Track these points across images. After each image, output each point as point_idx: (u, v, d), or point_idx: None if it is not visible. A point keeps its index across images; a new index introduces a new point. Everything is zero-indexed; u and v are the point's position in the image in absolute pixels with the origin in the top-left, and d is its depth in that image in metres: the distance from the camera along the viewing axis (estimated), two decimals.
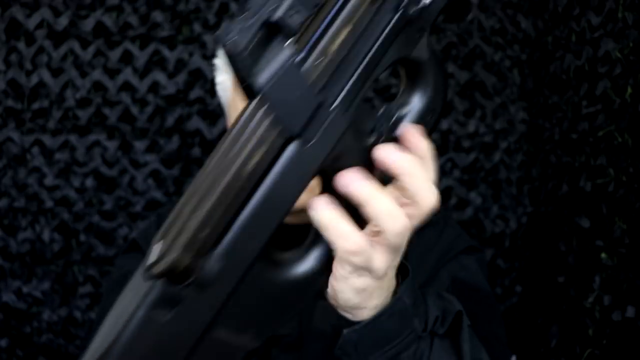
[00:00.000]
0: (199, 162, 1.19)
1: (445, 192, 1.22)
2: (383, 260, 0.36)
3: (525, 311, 1.21)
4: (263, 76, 0.32)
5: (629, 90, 0.84)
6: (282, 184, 0.34)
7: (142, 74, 1.16)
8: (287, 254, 0.39)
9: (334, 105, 0.34)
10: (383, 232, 0.35)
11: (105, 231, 1.17)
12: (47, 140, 1.15)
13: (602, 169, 0.92)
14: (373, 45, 0.35)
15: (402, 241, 0.36)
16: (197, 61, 1.17)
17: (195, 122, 1.18)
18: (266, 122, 0.33)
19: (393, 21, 0.35)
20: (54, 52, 1.15)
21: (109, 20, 1.15)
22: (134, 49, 1.16)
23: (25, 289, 1.16)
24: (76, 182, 1.16)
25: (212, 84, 1.18)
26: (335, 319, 0.43)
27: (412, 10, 0.35)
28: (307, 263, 0.38)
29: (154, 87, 1.17)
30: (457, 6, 0.38)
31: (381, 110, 0.39)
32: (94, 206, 1.17)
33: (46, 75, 1.14)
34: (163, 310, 0.33)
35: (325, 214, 0.35)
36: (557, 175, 1.09)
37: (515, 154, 1.24)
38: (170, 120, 1.17)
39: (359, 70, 0.35)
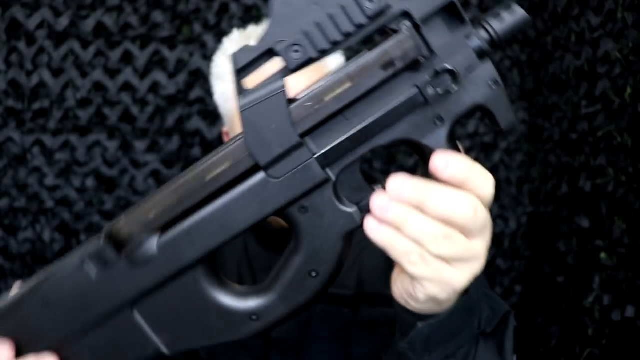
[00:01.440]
0: None
1: None
2: (479, 246, 0.36)
3: (525, 311, 1.21)
4: (250, 97, 0.33)
5: (629, 90, 0.84)
6: (237, 207, 0.35)
7: (143, 74, 1.16)
8: (239, 286, 0.39)
9: (315, 155, 0.34)
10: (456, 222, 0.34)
11: None
12: (47, 140, 1.15)
13: (602, 169, 0.92)
14: (375, 112, 0.34)
15: (478, 221, 0.35)
16: (197, 61, 1.17)
17: (196, 122, 1.18)
18: (240, 141, 0.35)
19: (405, 97, 0.33)
20: (55, 52, 1.15)
21: (109, 21, 1.15)
22: (134, 49, 1.16)
23: None
24: (77, 182, 1.16)
25: None
26: (337, 323, 0.42)
27: (431, 92, 0.32)
28: (249, 303, 0.38)
29: (154, 87, 1.17)
30: (494, 113, 0.34)
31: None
32: (94, 206, 1.17)
33: (47, 76, 1.14)
34: (94, 266, 0.37)
35: (385, 235, 0.34)
36: (556, 175, 1.09)
37: (515, 154, 1.24)
38: (170, 121, 1.17)
39: (353, 131, 0.34)
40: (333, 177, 0.35)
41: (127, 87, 1.16)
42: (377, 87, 0.33)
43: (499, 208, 1.23)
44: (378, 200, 0.34)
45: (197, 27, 1.17)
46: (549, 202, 1.13)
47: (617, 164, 0.88)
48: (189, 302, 0.38)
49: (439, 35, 0.33)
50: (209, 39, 1.17)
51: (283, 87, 0.33)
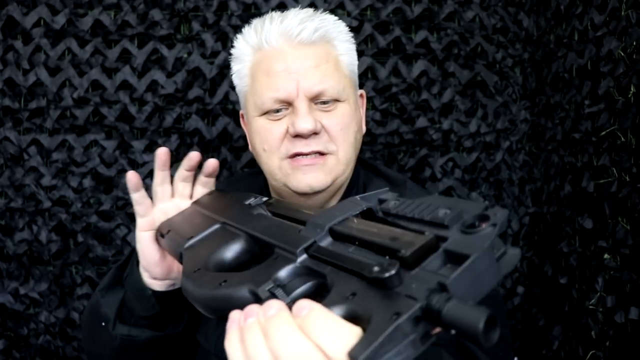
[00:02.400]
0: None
1: (446, 192, 1.21)
2: None
3: (527, 312, 1.20)
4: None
5: (632, 89, 0.83)
6: (275, 226, 0.53)
7: (141, 73, 1.15)
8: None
9: (317, 240, 0.45)
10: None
11: (103, 232, 1.16)
12: (44, 139, 1.14)
13: (605, 168, 0.91)
14: (351, 257, 0.41)
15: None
16: (196, 60, 1.16)
17: (194, 122, 1.17)
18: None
19: (363, 268, 0.37)
20: (51, 50, 1.14)
21: (107, 19, 1.14)
22: (132, 47, 1.15)
23: (22, 290, 1.15)
24: (74, 182, 1.15)
25: (211, 83, 1.17)
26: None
27: (372, 275, 0.34)
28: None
29: (153, 86, 1.16)
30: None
31: None
32: (91, 206, 1.16)
33: (43, 74, 1.13)
34: (254, 202, 0.63)
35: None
36: (559, 175, 1.08)
37: (517, 153, 1.23)
38: (168, 120, 1.16)
39: (335, 251, 0.43)
40: (298, 260, 0.44)
41: (125, 86, 1.15)
42: (372, 245, 0.39)
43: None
44: (249, 307, 0.37)
45: (196, 25, 1.16)
46: (551, 203, 1.12)
47: (620, 164, 0.87)
48: (216, 242, 0.56)
49: (434, 260, 0.35)
50: (207, 37, 1.16)
51: (363, 208, 0.46)
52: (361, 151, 1.18)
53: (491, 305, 0.68)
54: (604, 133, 0.91)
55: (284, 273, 0.43)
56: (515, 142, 1.22)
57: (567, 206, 1.04)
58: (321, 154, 0.73)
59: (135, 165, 1.16)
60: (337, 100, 0.75)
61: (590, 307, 0.93)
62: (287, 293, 0.42)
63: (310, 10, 0.78)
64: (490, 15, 1.20)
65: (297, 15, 0.75)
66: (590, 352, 0.93)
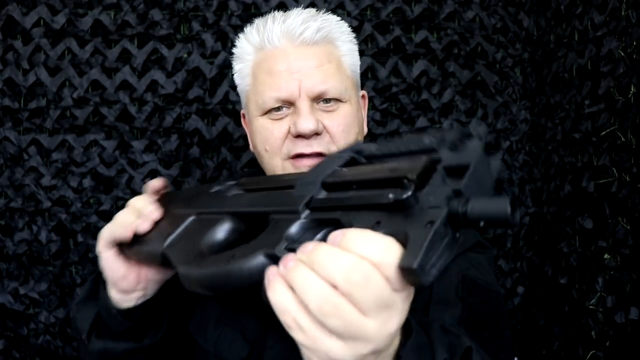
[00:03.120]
0: (198, 162, 1.18)
1: None
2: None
3: (527, 312, 1.20)
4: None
5: (633, 89, 0.83)
6: (262, 197, 0.53)
7: (141, 73, 1.15)
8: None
9: (314, 195, 0.45)
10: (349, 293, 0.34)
11: None
12: (44, 139, 1.14)
13: (605, 168, 0.91)
14: (361, 199, 0.41)
15: (369, 293, 0.34)
16: (195, 60, 1.16)
17: (194, 122, 1.17)
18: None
19: (379, 198, 0.39)
20: (51, 50, 1.13)
21: (106, 19, 1.14)
22: (132, 47, 1.15)
23: (22, 290, 1.15)
24: (74, 182, 1.15)
25: (211, 83, 1.17)
26: None
27: (387, 200, 0.37)
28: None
29: (153, 86, 1.16)
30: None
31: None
32: (91, 206, 1.16)
33: (43, 74, 1.13)
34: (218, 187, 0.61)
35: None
36: (559, 175, 1.08)
37: (517, 153, 1.23)
38: (168, 120, 1.16)
39: (338, 199, 0.43)
40: (303, 215, 0.43)
41: (124, 86, 1.15)
42: (374, 181, 0.40)
43: None
44: (287, 256, 0.37)
45: (196, 25, 1.16)
46: (551, 203, 1.12)
47: (620, 164, 0.87)
48: (202, 230, 0.55)
49: (436, 177, 0.37)
50: (207, 37, 1.16)
51: (349, 157, 0.47)
52: None
53: (494, 307, 0.68)
54: (604, 133, 0.91)
55: (294, 229, 0.43)
56: (515, 142, 1.22)
57: (567, 206, 1.04)
58: (322, 155, 0.73)
59: (135, 165, 1.16)
60: (339, 101, 0.75)
61: (591, 307, 0.93)
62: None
63: (312, 11, 0.78)
64: (491, 15, 1.20)
65: (299, 15, 0.75)
66: (591, 352, 0.93)
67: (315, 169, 0.47)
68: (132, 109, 1.15)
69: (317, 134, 0.72)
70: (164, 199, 0.68)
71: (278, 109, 0.74)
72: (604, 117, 0.91)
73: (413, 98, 1.20)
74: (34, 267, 1.15)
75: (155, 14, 1.15)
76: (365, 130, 0.84)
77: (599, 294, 0.91)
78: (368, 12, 1.19)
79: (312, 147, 0.72)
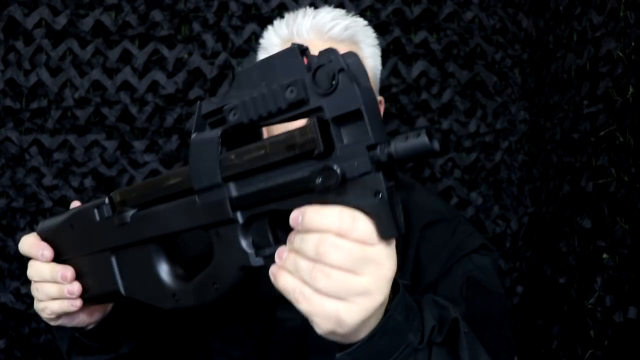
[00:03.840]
0: None
1: (446, 192, 1.21)
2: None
3: (526, 312, 1.21)
4: (201, 135, 0.45)
5: (631, 89, 0.83)
6: (175, 214, 0.48)
7: (141, 73, 1.16)
8: (180, 269, 0.52)
9: (229, 195, 0.43)
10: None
11: None
12: (45, 140, 1.15)
13: (604, 169, 0.91)
14: (274, 181, 0.41)
15: (353, 255, 0.37)
16: (196, 60, 1.16)
17: None
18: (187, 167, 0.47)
19: (296, 177, 0.40)
20: (53, 51, 1.14)
21: (107, 20, 1.15)
22: (133, 48, 1.15)
23: (23, 290, 1.15)
24: (75, 182, 1.16)
25: (211, 83, 1.17)
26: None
27: (317, 182, 0.38)
28: (175, 285, 0.52)
29: (153, 87, 1.16)
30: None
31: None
32: None
33: (45, 75, 1.14)
34: (97, 213, 0.55)
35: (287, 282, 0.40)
36: (558, 175, 1.09)
37: (517, 153, 1.23)
38: (169, 120, 1.17)
39: (255, 189, 0.42)
40: (240, 220, 0.43)
41: (125, 86, 1.16)
42: (282, 162, 0.40)
43: (500, 208, 1.22)
44: (280, 248, 0.41)
45: (196, 26, 1.16)
46: (550, 202, 1.12)
47: (619, 164, 0.87)
48: (144, 266, 0.52)
49: (349, 136, 0.37)
50: (208, 37, 1.16)
51: (219, 137, 0.43)
52: None
53: (497, 309, 0.69)
54: (602, 133, 0.91)
55: (244, 238, 0.44)
56: (514, 142, 1.22)
57: (566, 206, 1.05)
58: None
59: (136, 166, 1.17)
60: None
61: (589, 306, 0.93)
62: (264, 245, 0.44)
63: (342, 11, 0.81)
64: (490, 15, 1.20)
65: (330, 13, 0.78)
66: (589, 352, 0.93)
67: (197, 166, 0.44)
68: (133, 110, 1.16)
69: None
70: (50, 241, 0.61)
71: None
72: (603, 118, 0.91)
73: (413, 98, 1.20)
74: None
75: (156, 15, 1.15)
76: None
77: (597, 293, 0.92)
78: (368, 13, 1.19)
79: None
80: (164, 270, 0.51)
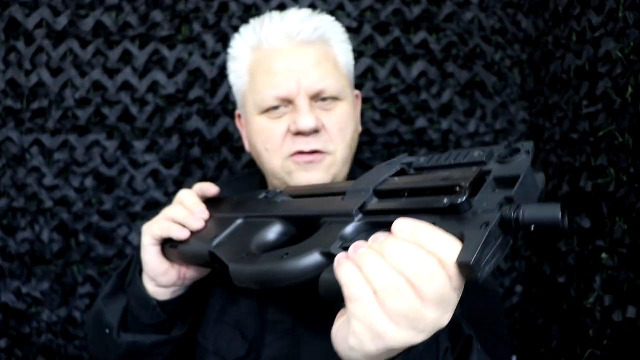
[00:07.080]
0: (199, 162, 1.19)
1: None
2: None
3: (525, 311, 1.21)
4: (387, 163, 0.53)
5: (630, 90, 0.84)
6: (311, 203, 0.56)
7: (142, 73, 1.16)
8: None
9: (368, 201, 0.47)
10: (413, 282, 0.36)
11: (105, 231, 1.17)
12: (46, 140, 1.15)
13: (603, 169, 0.91)
14: (418, 205, 0.43)
15: (434, 285, 0.36)
16: (196, 61, 1.16)
17: (195, 122, 1.17)
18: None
19: (437, 203, 0.41)
20: (53, 51, 1.14)
21: (108, 20, 1.15)
22: (133, 48, 1.16)
23: (24, 290, 1.16)
24: (76, 182, 1.16)
25: (212, 83, 1.17)
26: (336, 307, 0.43)
27: (443, 205, 0.39)
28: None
29: (154, 87, 1.17)
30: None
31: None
32: (93, 206, 1.17)
33: (45, 75, 1.14)
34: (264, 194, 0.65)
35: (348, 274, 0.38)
36: (557, 175, 1.09)
37: None
38: (169, 120, 1.17)
39: (394, 206, 0.45)
40: (356, 219, 0.46)
41: (126, 86, 1.16)
42: (429, 189, 0.43)
43: None
44: (357, 242, 0.40)
45: (197, 27, 1.17)
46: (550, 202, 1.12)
47: (618, 164, 0.87)
48: (252, 234, 0.57)
49: (487, 187, 0.40)
50: (208, 38, 1.16)
51: (398, 169, 0.50)
52: (361, 151, 1.19)
53: (493, 307, 0.69)
54: (601, 133, 0.92)
55: (348, 230, 0.45)
56: (513, 142, 1.22)
57: (565, 206, 1.05)
58: (320, 152, 0.74)
59: (136, 165, 1.17)
60: (336, 99, 0.75)
61: (588, 306, 0.94)
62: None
63: (309, 11, 0.79)
64: (489, 16, 1.21)
65: (296, 15, 0.76)
66: (588, 351, 0.93)
67: (365, 178, 0.50)
68: (134, 110, 1.16)
69: (316, 131, 0.72)
70: (215, 201, 0.71)
71: (276, 108, 0.74)
72: (602, 118, 0.91)
73: (412, 99, 1.20)
74: (36, 267, 1.16)
75: (157, 16, 1.15)
76: (360, 129, 0.85)
77: (596, 293, 0.92)
78: (368, 13, 1.19)
79: (310, 145, 0.73)
80: (264, 236, 0.55)
